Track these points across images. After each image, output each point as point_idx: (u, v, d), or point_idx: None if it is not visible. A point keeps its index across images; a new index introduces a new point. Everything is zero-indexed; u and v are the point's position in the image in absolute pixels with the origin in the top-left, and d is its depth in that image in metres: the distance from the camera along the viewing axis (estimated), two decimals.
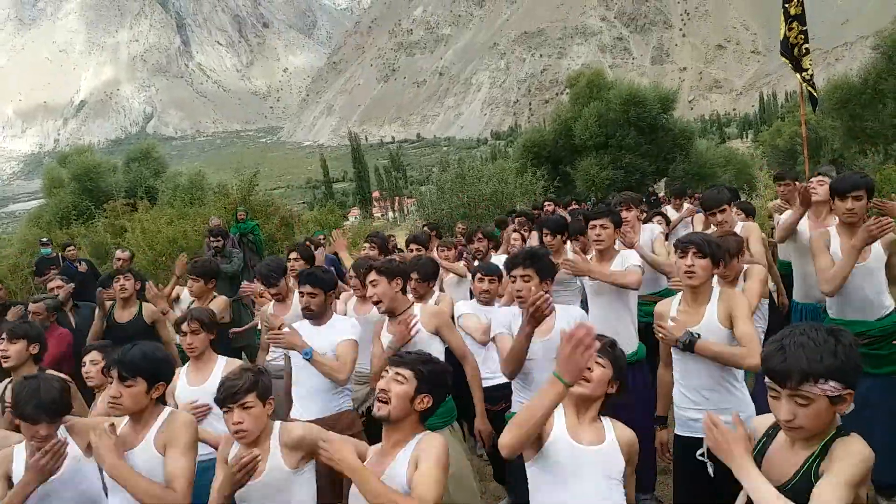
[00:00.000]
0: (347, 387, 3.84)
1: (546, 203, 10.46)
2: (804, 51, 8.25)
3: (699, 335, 3.02)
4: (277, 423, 2.82)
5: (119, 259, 7.72)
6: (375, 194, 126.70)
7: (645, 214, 6.83)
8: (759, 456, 2.09)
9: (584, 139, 23.65)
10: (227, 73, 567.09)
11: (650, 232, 5.50)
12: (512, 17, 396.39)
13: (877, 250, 3.79)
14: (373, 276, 3.75)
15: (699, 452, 3.01)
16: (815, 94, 8.67)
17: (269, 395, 2.77)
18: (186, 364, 3.88)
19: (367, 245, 6.09)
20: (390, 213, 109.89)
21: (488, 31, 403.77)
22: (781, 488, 1.89)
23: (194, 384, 3.71)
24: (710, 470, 2.91)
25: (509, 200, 17.43)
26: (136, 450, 2.75)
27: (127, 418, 2.83)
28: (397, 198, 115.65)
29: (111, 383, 2.78)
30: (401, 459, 2.40)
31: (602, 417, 2.51)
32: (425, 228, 9.24)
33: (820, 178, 4.66)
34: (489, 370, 4.17)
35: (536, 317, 2.89)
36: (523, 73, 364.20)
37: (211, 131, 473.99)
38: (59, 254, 10.46)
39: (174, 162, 37.78)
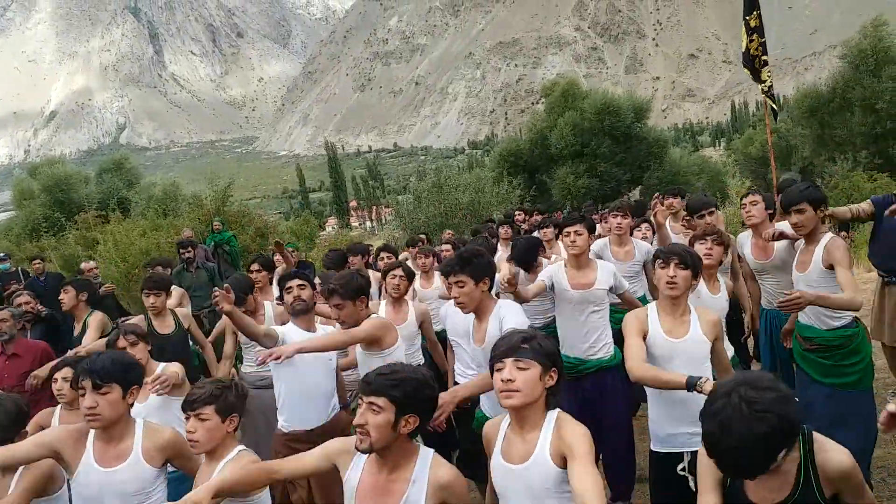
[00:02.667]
0: (335, 393, 3.94)
1: (517, 212, 10.44)
2: (763, 62, 8.40)
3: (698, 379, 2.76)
4: (238, 451, 2.74)
5: (86, 270, 7.63)
6: (353, 204, 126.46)
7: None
8: (737, 485, 2.06)
9: (560, 148, 23.84)
10: (201, 82, 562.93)
11: (644, 252, 5.32)
12: (487, 27, 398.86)
13: (816, 262, 3.77)
14: (335, 300, 3.75)
15: (680, 467, 3.02)
16: (774, 105, 8.85)
17: (233, 413, 2.73)
18: None
19: (384, 255, 6.40)
20: (368, 223, 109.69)
21: (463, 40, 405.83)
22: None
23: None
24: (692, 483, 2.89)
25: (486, 209, 17.47)
26: (124, 466, 2.72)
27: (90, 436, 2.76)
28: (374, 207, 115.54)
29: (82, 395, 2.70)
30: (414, 495, 2.27)
31: (547, 417, 2.34)
32: (422, 236, 9.30)
33: (752, 198, 4.73)
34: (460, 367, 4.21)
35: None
36: (499, 82, 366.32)
37: (185, 142, 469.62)
38: (20, 268, 10.19)
39: (148, 173, 37.37)
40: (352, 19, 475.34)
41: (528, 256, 5.12)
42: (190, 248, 8.55)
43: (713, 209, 5.16)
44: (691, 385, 2.72)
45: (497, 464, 2.37)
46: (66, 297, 5.46)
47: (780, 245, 4.42)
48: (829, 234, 3.81)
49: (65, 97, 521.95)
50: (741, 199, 5.10)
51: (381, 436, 2.24)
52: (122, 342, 3.76)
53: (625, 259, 5.16)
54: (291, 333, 3.79)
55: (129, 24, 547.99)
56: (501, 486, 2.36)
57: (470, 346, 3.55)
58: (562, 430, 2.27)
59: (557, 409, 2.35)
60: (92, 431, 2.76)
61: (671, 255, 3.16)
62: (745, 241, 4.77)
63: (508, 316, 3.24)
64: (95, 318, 5.44)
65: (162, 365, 3.88)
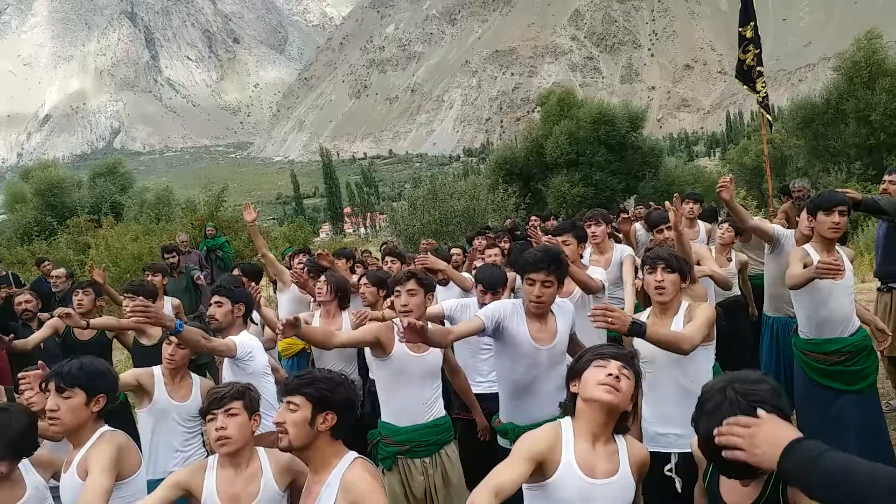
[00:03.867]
0: None
1: (508, 221, 10.51)
2: (757, 73, 8.43)
3: (645, 323, 2.79)
4: (261, 449, 2.71)
5: (53, 276, 7.58)
6: (347, 210, 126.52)
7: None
8: (713, 478, 2.08)
9: (555, 156, 23.87)
10: (196, 87, 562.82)
11: (621, 253, 5.37)
12: (483, 36, 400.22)
13: (849, 267, 3.90)
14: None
15: (667, 468, 3.02)
16: (768, 116, 8.89)
17: (257, 411, 2.70)
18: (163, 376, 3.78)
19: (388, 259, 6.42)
20: (362, 229, 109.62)
21: (460, 49, 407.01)
22: None
23: (176, 399, 3.71)
24: (678, 485, 2.90)
25: (481, 217, 17.48)
26: (66, 476, 2.66)
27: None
28: (369, 213, 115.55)
29: (46, 398, 2.67)
30: (325, 498, 2.30)
31: (617, 437, 2.31)
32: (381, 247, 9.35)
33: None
34: (480, 378, 4.22)
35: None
36: (495, 90, 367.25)
37: (180, 146, 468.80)
38: (10, 272, 10.14)
39: (142, 177, 37.30)
40: (348, 26, 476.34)
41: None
42: (175, 254, 8.53)
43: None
44: (633, 331, 2.68)
45: (573, 475, 2.22)
46: (86, 300, 5.32)
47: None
48: (839, 245, 4.02)
49: (59, 101, 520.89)
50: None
51: (298, 431, 2.29)
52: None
53: (605, 266, 5.12)
54: (250, 340, 3.81)
55: (124, 29, 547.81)
56: (573, 499, 2.22)
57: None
58: (632, 449, 2.32)
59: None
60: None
61: (657, 260, 3.15)
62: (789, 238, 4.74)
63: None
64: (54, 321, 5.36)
65: (198, 379, 3.87)
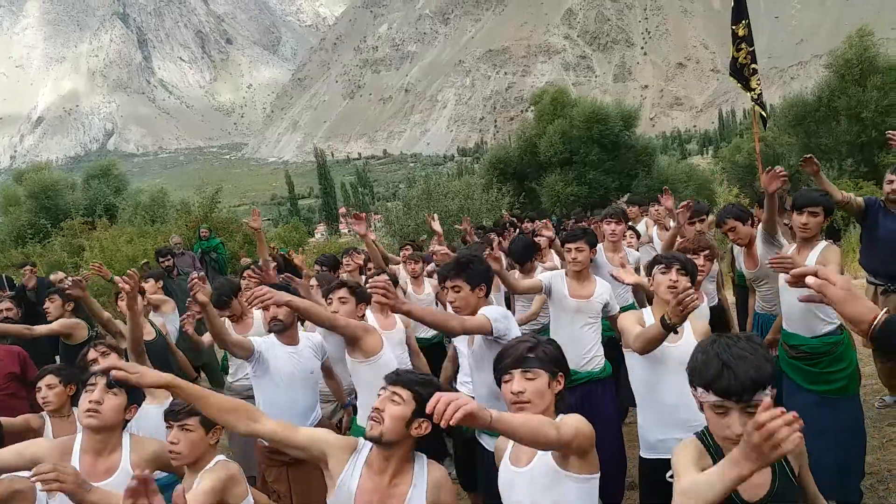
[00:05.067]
0: (318, 406, 3.91)
1: (526, 221, 10.60)
2: (752, 70, 8.47)
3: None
4: (216, 461, 2.68)
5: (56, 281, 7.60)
6: (342, 210, 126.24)
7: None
8: None
9: (549, 156, 23.90)
10: (189, 88, 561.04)
11: (633, 259, 5.43)
12: (477, 36, 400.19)
13: (810, 262, 3.79)
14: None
15: (668, 474, 3.03)
16: (763, 113, 8.92)
17: (216, 425, 2.66)
18: None
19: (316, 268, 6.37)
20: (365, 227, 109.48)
21: (453, 48, 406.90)
22: (765, 500, 1.96)
23: (150, 403, 3.66)
24: None
25: (475, 216, 17.48)
26: (113, 479, 2.65)
27: (76, 448, 2.69)
28: (364, 214, 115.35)
29: (90, 391, 2.68)
30: (416, 498, 2.25)
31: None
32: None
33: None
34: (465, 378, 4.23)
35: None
36: (488, 90, 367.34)
37: (173, 148, 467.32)
38: (3, 275, 10.05)
39: (135, 179, 37.17)
40: (342, 26, 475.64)
41: (525, 255, 5.26)
42: (169, 257, 8.53)
43: (704, 216, 5.24)
44: (665, 324, 2.75)
45: (504, 468, 2.34)
46: (52, 307, 5.39)
47: (761, 253, 4.47)
48: (825, 242, 3.89)
49: (52, 102, 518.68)
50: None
51: (394, 427, 2.20)
52: (92, 353, 3.64)
53: (619, 265, 5.18)
54: (272, 346, 3.76)
55: (117, 30, 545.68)
56: (506, 490, 2.33)
57: (467, 350, 3.56)
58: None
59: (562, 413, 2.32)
60: (77, 444, 2.70)
61: (673, 261, 3.18)
62: (738, 254, 4.81)
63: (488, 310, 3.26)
64: (67, 321, 5.39)
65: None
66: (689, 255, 4.06)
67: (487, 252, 3.83)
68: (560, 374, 2.32)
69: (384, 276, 4.81)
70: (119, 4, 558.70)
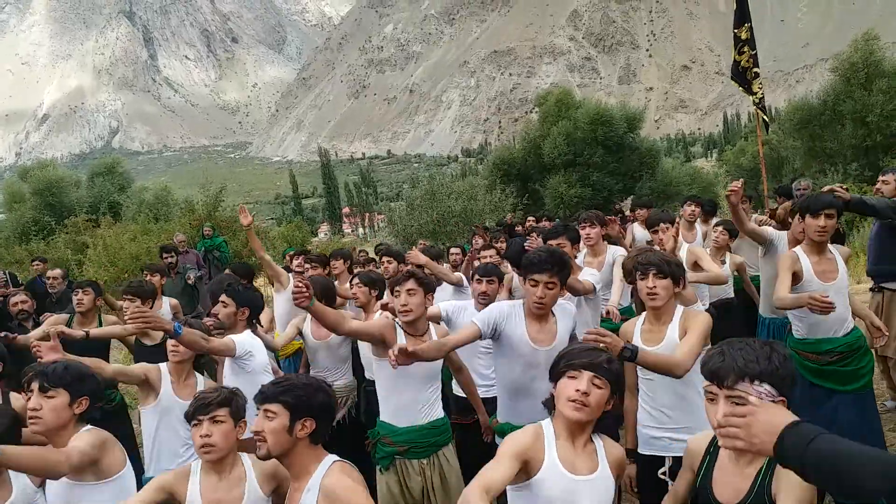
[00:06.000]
0: None
1: (529, 219, 10.59)
2: (754, 74, 8.46)
3: (636, 347, 2.82)
4: (245, 455, 2.70)
5: (50, 277, 7.56)
6: (345, 210, 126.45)
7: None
8: (706, 475, 2.12)
9: (553, 157, 23.89)
10: (195, 87, 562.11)
11: (612, 254, 5.32)
12: (482, 36, 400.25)
13: (842, 268, 3.91)
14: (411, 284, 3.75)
15: (661, 471, 3.04)
16: (765, 117, 8.92)
17: (242, 418, 2.68)
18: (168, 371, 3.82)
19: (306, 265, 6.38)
20: (360, 229, 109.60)
21: (458, 49, 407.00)
22: None
23: (182, 397, 3.69)
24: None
25: (479, 217, 17.50)
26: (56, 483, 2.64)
27: None
28: (367, 214, 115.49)
29: (28, 398, 2.66)
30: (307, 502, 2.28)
31: (594, 437, 2.39)
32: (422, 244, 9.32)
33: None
34: (480, 380, 4.19)
35: None
36: (493, 91, 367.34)
37: (178, 146, 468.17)
38: (8, 272, 10.08)
39: (140, 177, 37.29)
40: (347, 26, 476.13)
41: (520, 258, 5.20)
42: (173, 254, 8.53)
43: (668, 225, 5.17)
44: (623, 355, 2.65)
45: (556, 472, 2.27)
46: (86, 299, 5.34)
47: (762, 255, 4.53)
48: (834, 244, 4.01)
49: (58, 99, 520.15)
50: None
51: (277, 439, 2.26)
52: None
53: (598, 268, 5.07)
54: (250, 340, 3.86)
55: (123, 28, 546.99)
56: (558, 496, 2.27)
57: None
58: (609, 448, 2.38)
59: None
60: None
61: (649, 266, 3.12)
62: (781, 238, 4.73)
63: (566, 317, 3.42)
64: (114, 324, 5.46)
65: (201, 379, 3.89)
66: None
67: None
68: (615, 396, 2.35)
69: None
70: (125, 3, 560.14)
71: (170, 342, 3.70)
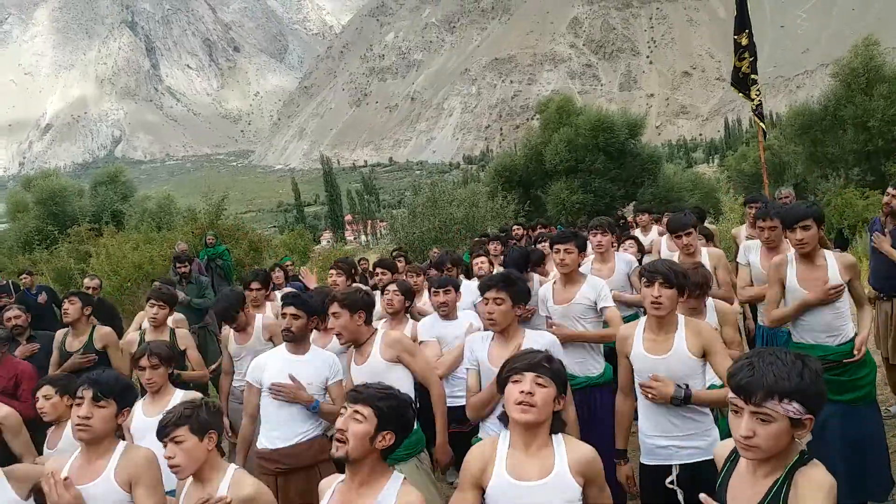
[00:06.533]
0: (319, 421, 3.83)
1: (514, 227, 10.53)
2: (752, 81, 8.50)
3: (689, 387, 2.97)
4: (232, 469, 2.72)
5: (88, 287, 7.56)
6: (348, 217, 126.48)
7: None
8: (722, 482, 2.08)
9: (555, 164, 23.90)
10: (197, 96, 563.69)
11: (626, 263, 5.36)
12: (483, 44, 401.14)
13: (833, 276, 3.81)
14: (335, 307, 3.70)
15: (668, 480, 3.02)
16: (762, 124, 8.96)
17: (209, 429, 2.68)
18: (143, 397, 3.80)
19: (333, 272, 6.13)
20: (363, 237, 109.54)
21: (459, 57, 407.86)
22: None
23: (150, 415, 3.59)
24: (681, 497, 2.89)
25: (481, 224, 17.49)
26: (96, 483, 2.68)
27: (75, 454, 2.77)
28: (370, 221, 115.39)
29: (78, 405, 2.72)
30: None
31: (554, 438, 2.38)
32: (393, 253, 9.26)
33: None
34: (459, 390, 4.17)
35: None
36: (494, 98, 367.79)
37: (181, 155, 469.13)
38: (11, 281, 9.77)
39: (143, 186, 37.35)
40: (348, 35, 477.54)
41: (521, 264, 5.24)
42: (186, 263, 8.48)
43: (691, 230, 5.10)
44: (677, 398, 2.82)
45: (503, 482, 2.31)
46: (72, 309, 5.30)
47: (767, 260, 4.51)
48: (834, 250, 3.89)
49: (60, 109, 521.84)
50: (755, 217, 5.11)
51: (358, 444, 2.24)
52: (144, 361, 3.66)
53: (607, 276, 5.08)
54: (279, 356, 3.78)
55: (125, 38, 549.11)
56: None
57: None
58: (572, 448, 2.35)
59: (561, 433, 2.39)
60: (75, 454, 2.78)
61: (655, 274, 3.13)
62: (752, 248, 4.76)
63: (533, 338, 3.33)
64: (108, 333, 5.43)
65: (181, 393, 3.75)
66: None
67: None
68: (563, 395, 2.37)
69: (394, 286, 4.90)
70: (127, 13, 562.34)
71: (142, 375, 3.70)
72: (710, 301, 4.05)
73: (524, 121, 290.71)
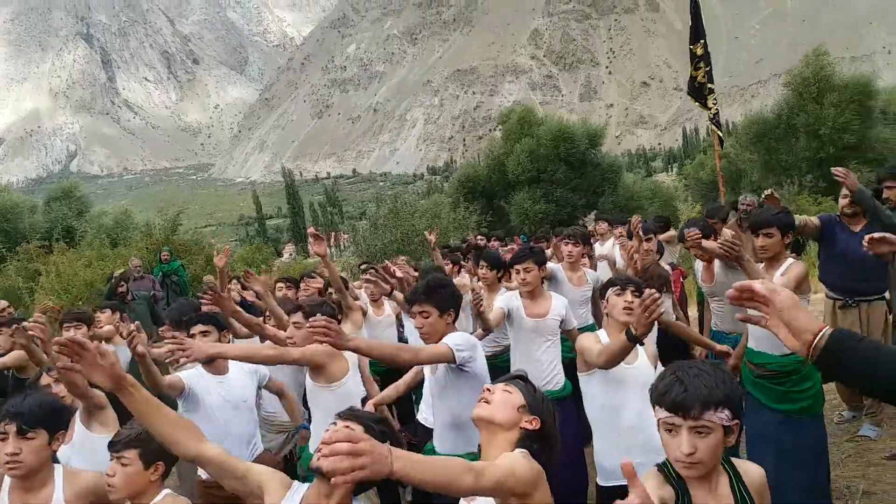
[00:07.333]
0: (257, 435, 3.72)
1: (478, 237, 10.48)
2: (709, 90, 8.60)
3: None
4: (163, 494, 2.51)
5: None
6: (310, 229, 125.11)
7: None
8: None
9: (517, 174, 24.04)
10: (155, 109, 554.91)
11: (594, 279, 5.30)
12: (444, 55, 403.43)
13: (780, 282, 3.71)
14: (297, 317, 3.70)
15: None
16: (719, 133, 9.07)
17: (159, 460, 2.50)
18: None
19: (282, 285, 6.18)
20: (327, 248, 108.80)
21: (421, 68, 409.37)
22: None
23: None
24: None
25: (443, 235, 17.43)
26: None
27: (3, 490, 2.50)
28: (333, 233, 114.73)
29: (3, 440, 2.43)
30: None
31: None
32: (361, 267, 9.14)
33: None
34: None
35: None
36: (457, 109, 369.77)
37: (139, 169, 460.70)
38: None
39: (100, 201, 36.53)
40: (309, 46, 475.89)
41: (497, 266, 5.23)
42: (122, 283, 8.28)
43: (651, 235, 5.16)
44: (630, 336, 2.75)
45: None
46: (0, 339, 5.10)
47: (718, 269, 4.45)
48: (791, 260, 3.82)
49: (13, 123, 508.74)
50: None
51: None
52: (45, 378, 3.38)
53: (578, 284, 5.15)
54: (199, 378, 3.57)
55: (80, 50, 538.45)
56: None
57: (431, 376, 3.44)
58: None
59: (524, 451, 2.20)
60: (7, 481, 2.50)
61: (628, 283, 3.18)
62: (697, 268, 4.78)
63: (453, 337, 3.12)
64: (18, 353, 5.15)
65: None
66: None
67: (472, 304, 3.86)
68: (535, 417, 2.22)
69: (322, 317, 4.71)
70: (83, 25, 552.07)
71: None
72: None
73: (487, 132, 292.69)
